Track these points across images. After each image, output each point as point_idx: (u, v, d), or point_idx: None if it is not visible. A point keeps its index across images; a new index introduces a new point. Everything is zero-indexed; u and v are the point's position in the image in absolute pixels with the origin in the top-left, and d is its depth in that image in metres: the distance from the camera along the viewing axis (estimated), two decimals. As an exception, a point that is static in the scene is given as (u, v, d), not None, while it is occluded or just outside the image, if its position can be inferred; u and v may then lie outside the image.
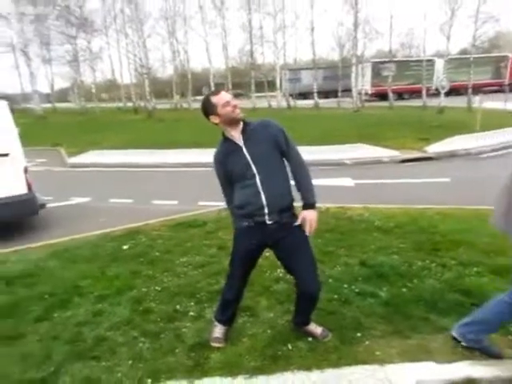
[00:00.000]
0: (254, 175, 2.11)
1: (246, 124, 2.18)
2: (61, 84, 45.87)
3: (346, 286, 3.09)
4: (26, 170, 5.18)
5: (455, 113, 17.87)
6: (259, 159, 2.11)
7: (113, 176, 9.62)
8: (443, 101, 18.54)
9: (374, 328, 2.55)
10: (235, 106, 2.09)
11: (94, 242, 4.43)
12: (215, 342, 2.41)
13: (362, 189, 7.12)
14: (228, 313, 2.47)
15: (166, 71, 40.41)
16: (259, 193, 2.10)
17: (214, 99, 2.09)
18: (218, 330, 2.46)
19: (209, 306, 2.89)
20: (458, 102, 20.66)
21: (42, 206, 5.55)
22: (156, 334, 2.57)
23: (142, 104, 32.05)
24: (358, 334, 2.48)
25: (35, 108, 28.77)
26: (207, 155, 11.69)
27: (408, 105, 24.37)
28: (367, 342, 2.41)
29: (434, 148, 10.79)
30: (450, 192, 6.60)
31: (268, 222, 2.14)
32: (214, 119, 2.13)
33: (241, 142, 2.15)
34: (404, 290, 3.01)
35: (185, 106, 31.63)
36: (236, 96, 34.78)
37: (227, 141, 2.19)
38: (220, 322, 2.49)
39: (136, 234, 4.66)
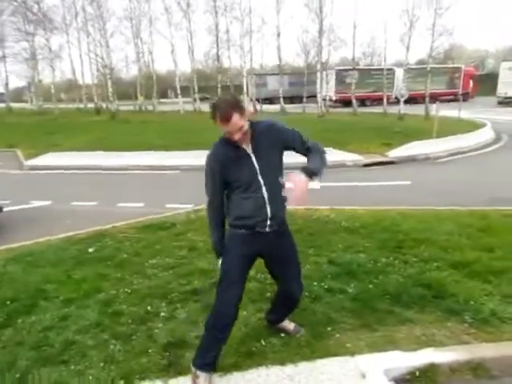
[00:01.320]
0: (260, 187, 1.98)
1: (253, 127, 1.98)
2: (16, 83, 43.57)
3: (315, 283, 3.18)
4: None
5: (414, 120, 18.78)
6: (266, 170, 1.99)
7: (75, 179, 9.27)
8: (403, 108, 19.45)
9: (344, 322, 2.65)
10: (236, 140, 1.92)
11: (57, 246, 4.26)
12: None
13: (327, 191, 7.31)
14: (217, 348, 2.08)
15: (129, 72, 39.52)
16: (265, 205, 2.00)
17: (217, 122, 1.87)
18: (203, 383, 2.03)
19: (181, 306, 2.88)
20: (417, 109, 21.73)
21: (-1, 209, 5.26)
22: (127, 335, 2.52)
23: (105, 105, 31.10)
24: (329, 329, 2.57)
25: (-13, 108, 27.11)
26: (173, 158, 11.67)
27: (370, 111, 25.31)
28: (337, 336, 2.51)
29: (395, 153, 11.28)
30: (411, 194, 6.94)
31: (267, 230, 2.06)
32: (217, 126, 1.92)
33: (249, 149, 1.97)
34: (370, 285, 3.14)
35: (149, 108, 31.02)
36: (202, 100, 34.62)
37: (231, 143, 1.95)
38: (204, 369, 2.04)
39: (102, 237, 4.52)
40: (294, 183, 1.88)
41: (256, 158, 1.97)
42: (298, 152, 2.10)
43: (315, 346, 2.39)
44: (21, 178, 9.47)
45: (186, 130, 16.67)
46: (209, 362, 2.05)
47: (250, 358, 2.28)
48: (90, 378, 2.13)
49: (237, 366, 2.22)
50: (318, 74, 24.26)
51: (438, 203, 5.83)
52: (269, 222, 2.04)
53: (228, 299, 2.06)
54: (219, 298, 2.09)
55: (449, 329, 2.59)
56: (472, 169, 9.41)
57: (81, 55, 31.41)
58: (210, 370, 2.06)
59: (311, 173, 1.91)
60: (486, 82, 35.27)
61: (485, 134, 14.04)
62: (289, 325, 2.53)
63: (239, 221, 2.06)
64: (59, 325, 2.66)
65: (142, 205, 6.39)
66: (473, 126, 14.95)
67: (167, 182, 8.68)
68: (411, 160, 10.86)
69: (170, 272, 3.50)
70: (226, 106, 1.84)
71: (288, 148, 2.09)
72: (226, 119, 1.83)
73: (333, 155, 10.85)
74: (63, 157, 11.38)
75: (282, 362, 2.22)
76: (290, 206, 2.19)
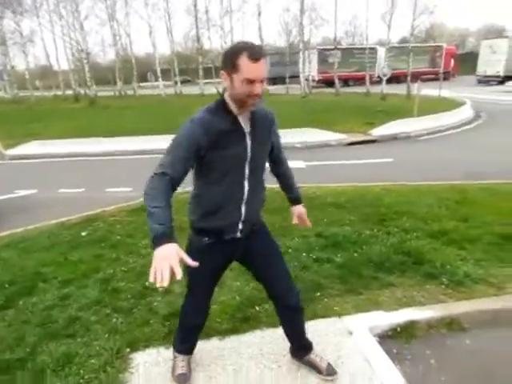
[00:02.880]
0: (243, 177, 1.66)
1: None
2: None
3: (304, 254, 3.37)
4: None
5: (396, 99, 19.04)
6: (256, 159, 1.67)
7: (59, 166, 9.18)
8: (385, 88, 19.63)
9: (331, 288, 2.85)
10: (256, 95, 1.50)
11: (50, 231, 4.32)
12: (181, 381, 2.01)
13: (313, 170, 7.50)
14: (193, 339, 2.08)
15: (107, 56, 38.47)
16: (241, 203, 1.69)
17: (241, 61, 1.43)
18: (181, 364, 2.05)
19: (177, 281, 3.00)
20: (399, 88, 21.98)
21: (-14, 198, 5.24)
22: (128, 309, 2.66)
23: (83, 91, 30.30)
24: (318, 294, 2.77)
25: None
26: (156, 141, 11.56)
27: (353, 91, 25.46)
28: (326, 300, 2.70)
29: (377, 131, 11.53)
30: (393, 171, 7.18)
31: (238, 236, 1.76)
32: (224, 77, 1.51)
33: (246, 128, 1.61)
34: (355, 254, 3.34)
35: (129, 92, 30.39)
36: (183, 82, 34.03)
37: (227, 113, 1.58)
38: (181, 352, 2.08)
39: (93, 221, 4.59)
40: (299, 216, 2.07)
41: (251, 140, 1.62)
42: (270, 156, 1.85)
43: (305, 309, 2.56)
44: (2, 169, 9.32)
45: (168, 114, 16.49)
46: (185, 349, 2.08)
47: (245, 323, 2.45)
48: (97, 348, 2.26)
49: (234, 330, 2.39)
50: (301, 54, 24.09)
51: (419, 179, 6.08)
52: (240, 226, 1.73)
53: (198, 306, 1.97)
54: (187, 305, 1.99)
55: (427, 290, 2.82)
56: (451, 146, 9.71)
57: (54, 39, 30.39)
58: (188, 353, 2.11)
59: (300, 201, 2.09)
60: (467, 61, 35.79)
61: (464, 113, 14.38)
62: (320, 361, 2.07)
63: (205, 221, 1.71)
64: (61, 303, 2.77)
65: (130, 189, 6.43)
66: (453, 105, 15.26)
67: (152, 165, 8.67)
68: (393, 138, 11.14)
69: (164, 251, 3.62)
70: (255, 49, 1.45)
71: (271, 142, 1.80)
72: (260, 55, 1.44)
73: (317, 135, 11.04)
74: (45, 145, 11.18)
75: (275, 325, 2.39)
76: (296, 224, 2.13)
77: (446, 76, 30.55)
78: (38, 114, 19.31)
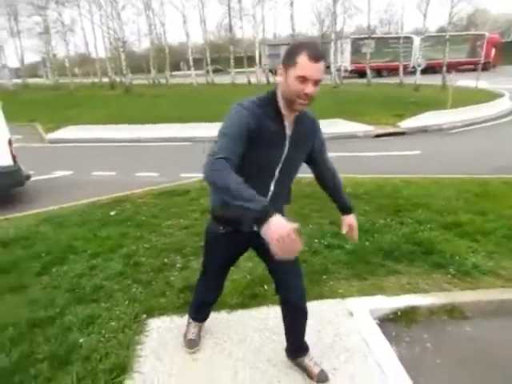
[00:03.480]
0: (271, 179, 1.68)
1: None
2: (30, 58, 43.91)
3: (316, 240, 3.49)
4: (10, 143, 5.28)
5: (430, 90, 18.41)
6: (289, 164, 1.67)
7: (93, 151, 9.68)
8: (419, 79, 19.00)
9: (338, 272, 2.97)
10: (306, 96, 1.47)
11: (82, 210, 4.67)
12: (190, 347, 2.21)
13: (336, 161, 7.39)
14: (206, 311, 2.27)
15: (142, 45, 39.41)
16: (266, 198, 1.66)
17: (300, 59, 1.43)
18: (193, 330, 2.25)
19: (194, 259, 3.23)
20: (435, 79, 21.19)
21: (27, 177, 5.69)
22: (148, 281, 2.90)
23: (118, 79, 31.25)
24: (324, 277, 2.90)
25: (5, 83, 27.65)
26: (188, 129, 11.95)
27: (386, 82, 24.78)
28: (331, 283, 2.83)
29: (407, 123, 11.28)
30: (418, 163, 7.08)
31: (255, 229, 1.58)
32: (280, 74, 1.52)
33: (288, 130, 1.61)
34: (366, 243, 3.43)
35: (162, 81, 31.05)
36: (215, 72, 34.32)
37: (275, 111, 1.57)
38: (195, 319, 2.28)
39: (122, 202, 4.91)
40: (350, 226, 1.97)
41: (290, 145, 1.62)
42: (312, 158, 1.81)
43: (311, 290, 2.70)
44: (42, 151, 9.93)
45: (199, 103, 16.82)
46: (198, 317, 2.27)
47: (253, 299, 2.63)
48: (118, 312, 2.52)
49: (242, 305, 2.58)
50: (332, 44, 23.67)
51: (444, 172, 6.00)
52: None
53: (211, 286, 2.10)
54: (201, 284, 2.13)
55: (433, 279, 2.88)
56: (484, 139, 9.39)
57: (93, 28, 31.47)
58: (201, 321, 2.30)
59: (351, 210, 1.98)
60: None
61: (501, 105, 13.76)
62: (313, 367, 2.02)
63: (225, 209, 1.68)
64: (89, 273, 3.06)
65: (157, 174, 6.75)
66: (490, 97, 14.64)
67: (181, 153, 9.00)
68: (423, 131, 10.86)
69: (184, 231, 3.86)
70: (314, 49, 1.45)
71: (310, 157, 1.79)
72: (319, 56, 1.44)
73: (344, 126, 10.97)
74: (82, 130, 11.79)
75: (281, 303, 2.56)
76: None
77: (486, 66, 29.02)
78: (76, 100, 20.22)
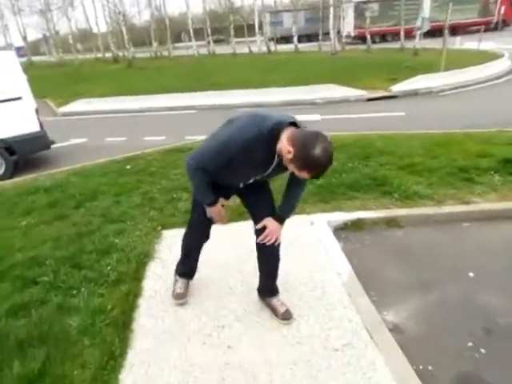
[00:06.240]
0: (246, 181, 2.00)
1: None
2: (32, 36, 43.91)
3: (293, 179, 4.32)
4: (37, 111, 6.11)
5: (430, 54, 18.49)
6: (265, 177, 1.98)
7: (104, 121, 10.50)
8: (426, 42, 18.79)
9: (308, 199, 3.80)
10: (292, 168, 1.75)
11: (102, 166, 5.54)
12: (178, 299, 2.42)
13: (326, 122, 8.27)
14: (191, 262, 2.45)
15: (142, 17, 39.11)
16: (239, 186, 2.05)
17: (304, 174, 1.69)
18: (180, 285, 2.46)
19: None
20: (440, 43, 21.06)
21: (52, 142, 6.56)
22: (161, 208, 3.80)
23: (121, 53, 31.50)
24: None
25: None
26: (190, 98, 12.65)
27: (387, 47, 24.74)
28: (300, 205, 3.66)
29: (398, 87, 11.81)
30: (400, 123, 7.78)
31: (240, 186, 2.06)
32: (289, 152, 1.65)
33: (275, 161, 1.79)
34: (333, 179, 4.24)
35: (164, 53, 31.23)
36: (216, 42, 34.25)
37: (270, 150, 1.73)
38: (182, 275, 2.49)
39: (135, 159, 5.76)
40: (266, 226, 2.06)
41: (272, 170, 1.85)
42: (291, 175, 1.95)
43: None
44: (56, 123, 10.72)
45: (200, 74, 17.37)
46: (187, 270, 2.49)
47: (239, 216, 3.48)
48: (140, 226, 3.42)
49: (231, 220, 3.44)
50: (331, 9, 23.53)
51: (421, 129, 6.69)
52: (241, 185, 2.05)
53: (199, 238, 2.37)
54: (189, 238, 2.40)
55: (380, 202, 3.72)
56: (472, 101, 9.92)
57: (93, 1, 31.36)
58: (188, 277, 2.52)
59: (282, 220, 2.09)
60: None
61: (498, 66, 13.99)
62: (280, 306, 2.30)
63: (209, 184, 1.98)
64: (115, 205, 3.96)
65: (163, 138, 7.56)
66: (489, 58, 14.84)
67: (185, 119, 9.78)
68: (414, 94, 11.39)
69: (188, 177, 4.71)
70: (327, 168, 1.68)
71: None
72: (317, 176, 1.72)
73: (338, 91, 11.56)
74: (91, 103, 12.56)
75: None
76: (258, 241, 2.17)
77: (501, 25, 28.10)
78: (82, 76, 20.83)
